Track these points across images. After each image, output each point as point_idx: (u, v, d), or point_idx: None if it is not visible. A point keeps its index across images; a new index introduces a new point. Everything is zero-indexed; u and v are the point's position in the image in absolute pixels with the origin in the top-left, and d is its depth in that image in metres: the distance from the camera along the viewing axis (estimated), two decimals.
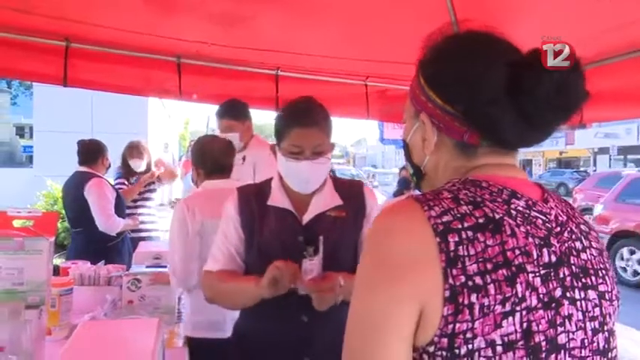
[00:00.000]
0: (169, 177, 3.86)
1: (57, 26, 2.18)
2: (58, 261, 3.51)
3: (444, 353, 0.59)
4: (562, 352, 0.61)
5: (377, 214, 0.73)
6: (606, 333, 0.66)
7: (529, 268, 0.61)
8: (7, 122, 21.34)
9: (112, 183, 3.35)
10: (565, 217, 0.68)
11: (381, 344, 0.60)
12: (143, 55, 2.47)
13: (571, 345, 0.62)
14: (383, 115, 3.31)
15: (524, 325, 0.59)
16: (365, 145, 63.00)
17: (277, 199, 1.37)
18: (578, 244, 0.67)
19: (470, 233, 0.61)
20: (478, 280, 0.59)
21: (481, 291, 0.58)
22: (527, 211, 0.65)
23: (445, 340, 0.59)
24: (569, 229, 0.68)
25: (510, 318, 0.58)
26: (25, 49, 2.25)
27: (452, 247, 0.60)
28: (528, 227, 0.64)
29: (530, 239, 0.63)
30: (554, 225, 0.66)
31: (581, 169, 27.27)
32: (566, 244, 0.66)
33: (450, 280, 0.59)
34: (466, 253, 0.59)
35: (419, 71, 0.74)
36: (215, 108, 2.51)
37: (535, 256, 0.62)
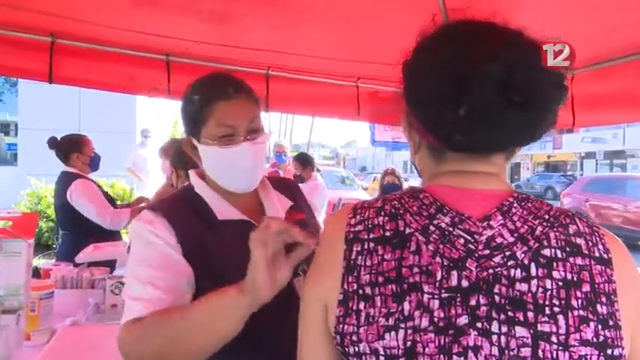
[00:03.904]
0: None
1: (42, 21, 2.12)
2: (41, 262, 3.44)
3: (339, 349, 0.63)
4: None
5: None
6: None
7: (426, 288, 0.59)
8: None
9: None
10: (511, 240, 0.61)
11: (304, 323, 0.68)
12: (131, 53, 2.41)
13: None
14: (374, 117, 3.29)
15: (408, 343, 0.58)
16: (355, 147, 63.19)
17: (224, 210, 1.03)
18: (515, 272, 0.59)
19: (372, 245, 0.63)
20: (368, 290, 0.61)
21: (369, 301, 0.61)
22: (450, 229, 0.62)
23: (338, 338, 0.63)
24: (507, 253, 0.60)
25: (393, 332, 0.59)
26: (9, 44, 2.18)
27: (353, 256, 0.64)
28: (441, 246, 0.61)
29: (438, 259, 0.60)
30: (480, 247, 0.60)
31: (569, 173, 27.59)
32: (492, 270, 0.59)
33: (345, 286, 0.63)
34: (363, 264, 0.62)
35: None
36: None
37: (438, 278, 0.59)
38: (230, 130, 1.00)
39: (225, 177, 1.05)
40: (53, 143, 2.95)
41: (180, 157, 1.87)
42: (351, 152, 62.24)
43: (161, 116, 11.72)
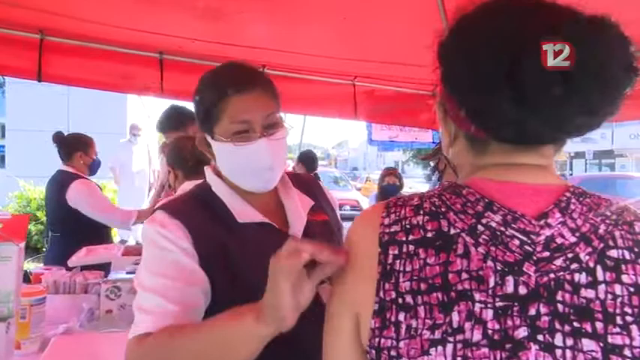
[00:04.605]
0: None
1: (31, 17, 2.06)
2: (31, 266, 3.36)
3: None
4: None
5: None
6: None
7: (478, 296, 0.53)
8: None
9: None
10: (573, 240, 0.54)
11: (331, 335, 0.62)
12: (123, 51, 2.37)
13: None
14: (370, 116, 3.27)
15: (458, 359, 0.52)
16: (346, 148, 63.32)
17: (243, 212, 0.97)
18: (580, 277, 0.52)
19: (411, 247, 0.56)
20: (409, 299, 0.55)
21: (410, 311, 0.54)
22: (502, 228, 0.55)
23: (373, 352, 0.56)
24: (570, 256, 0.53)
25: (440, 347, 0.52)
26: None
27: (389, 260, 0.57)
28: (493, 248, 0.54)
29: (490, 263, 0.53)
30: (538, 249, 0.53)
31: (558, 172, 27.84)
32: (553, 275, 0.53)
33: (381, 294, 0.56)
34: (402, 269, 0.56)
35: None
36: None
37: (491, 284, 0.53)
38: (245, 126, 0.93)
39: (241, 176, 0.98)
40: (58, 138, 2.86)
41: (178, 155, 1.81)
42: (342, 153, 62.31)
43: (151, 117, 11.61)
